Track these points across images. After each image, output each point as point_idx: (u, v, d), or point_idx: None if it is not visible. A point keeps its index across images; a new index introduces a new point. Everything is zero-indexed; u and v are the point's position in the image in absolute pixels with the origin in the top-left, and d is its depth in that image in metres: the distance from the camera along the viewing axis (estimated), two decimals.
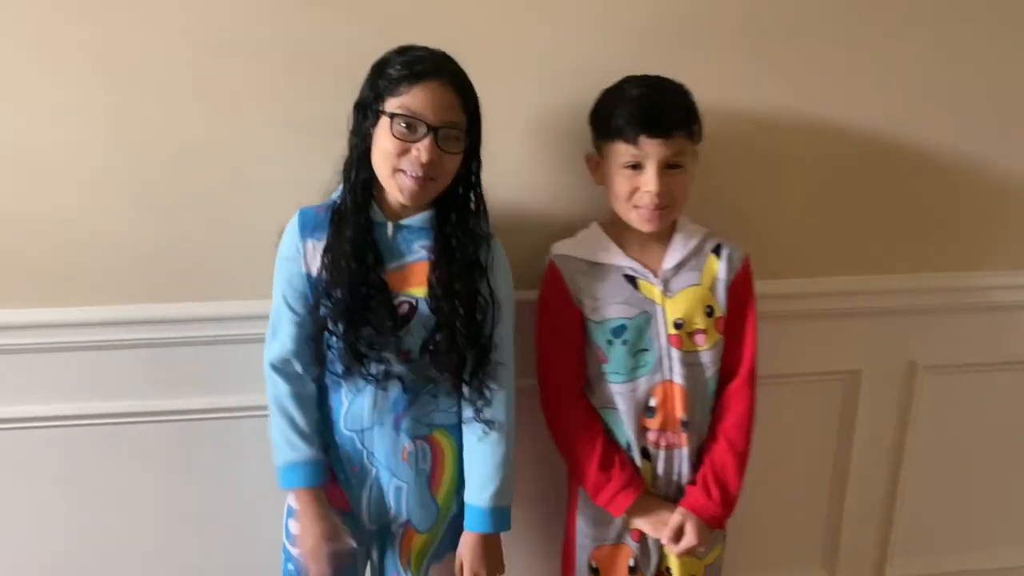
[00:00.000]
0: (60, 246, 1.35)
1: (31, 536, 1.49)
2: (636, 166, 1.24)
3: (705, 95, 1.28)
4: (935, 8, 1.45)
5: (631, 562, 1.36)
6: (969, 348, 1.66)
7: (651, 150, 1.22)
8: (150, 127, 1.31)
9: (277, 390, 1.22)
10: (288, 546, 1.28)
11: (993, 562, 1.84)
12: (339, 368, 1.19)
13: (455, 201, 1.21)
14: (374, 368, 1.18)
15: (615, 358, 1.30)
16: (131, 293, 1.39)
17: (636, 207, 1.26)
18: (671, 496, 1.34)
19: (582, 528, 1.39)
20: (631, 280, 1.31)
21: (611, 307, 1.30)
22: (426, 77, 1.11)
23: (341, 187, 1.20)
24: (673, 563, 1.35)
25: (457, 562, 1.27)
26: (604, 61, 1.33)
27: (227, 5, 1.28)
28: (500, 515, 1.24)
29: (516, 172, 1.41)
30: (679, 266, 1.32)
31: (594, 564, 1.38)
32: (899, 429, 1.70)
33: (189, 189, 1.35)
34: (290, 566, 1.28)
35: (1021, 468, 1.79)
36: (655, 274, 1.30)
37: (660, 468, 1.33)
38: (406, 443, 1.22)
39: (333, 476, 1.25)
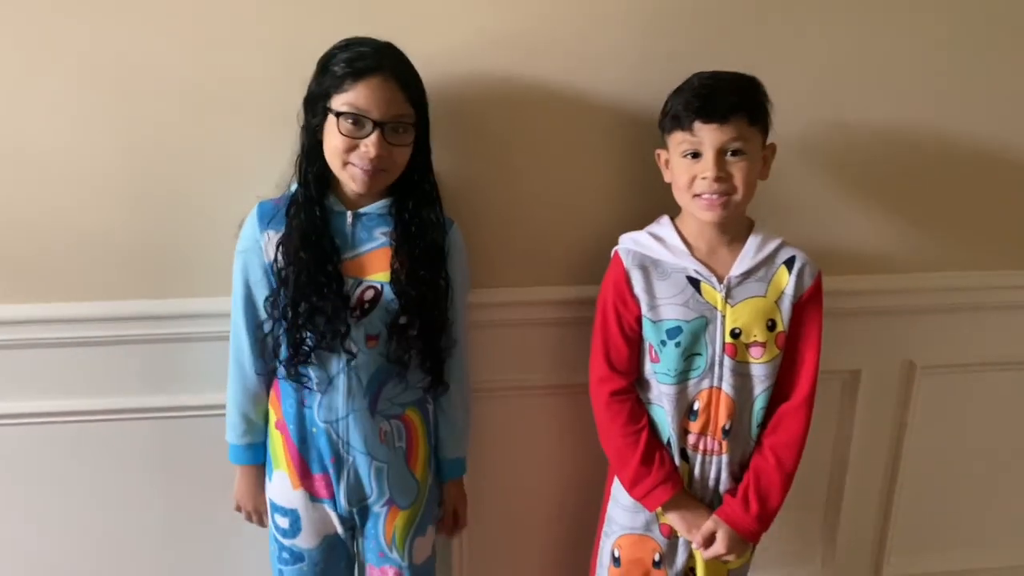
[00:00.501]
0: (51, 242, 1.37)
1: (23, 533, 1.51)
2: (696, 155, 1.22)
3: None
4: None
5: (656, 556, 1.38)
6: (967, 348, 1.67)
7: (706, 136, 1.20)
8: (142, 125, 1.32)
9: (234, 379, 1.29)
10: (278, 537, 1.33)
11: (989, 561, 1.85)
12: (304, 359, 1.22)
13: (411, 188, 1.23)
14: (343, 356, 1.21)
15: (666, 359, 1.29)
16: (122, 289, 1.40)
17: (697, 196, 1.24)
18: (705, 501, 1.34)
19: (612, 516, 1.41)
20: (694, 283, 1.29)
21: (669, 308, 1.29)
22: (368, 73, 1.12)
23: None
24: (699, 564, 1.36)
25: (450, 510, 1.42)
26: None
27: (220, 4, 1.28)
28: (464, 460, 1.43)
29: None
30: (746, 274, 1.28)
31: (616, 552, 1.41)
32: (897, 428, 1.71)
33: (180, 187, 1.36)
34: (285, 555, 1.33)
35: (1018, 468, 1.80)
36: (720, 279, 1.28)
37: (697, 472, 1.33)
38: (382, 423, 1.27)
39: (308, 468, 1.29)
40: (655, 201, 1.38)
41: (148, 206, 1.37)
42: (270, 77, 1.31)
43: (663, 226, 1.34)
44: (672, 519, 1.33)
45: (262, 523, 1.39)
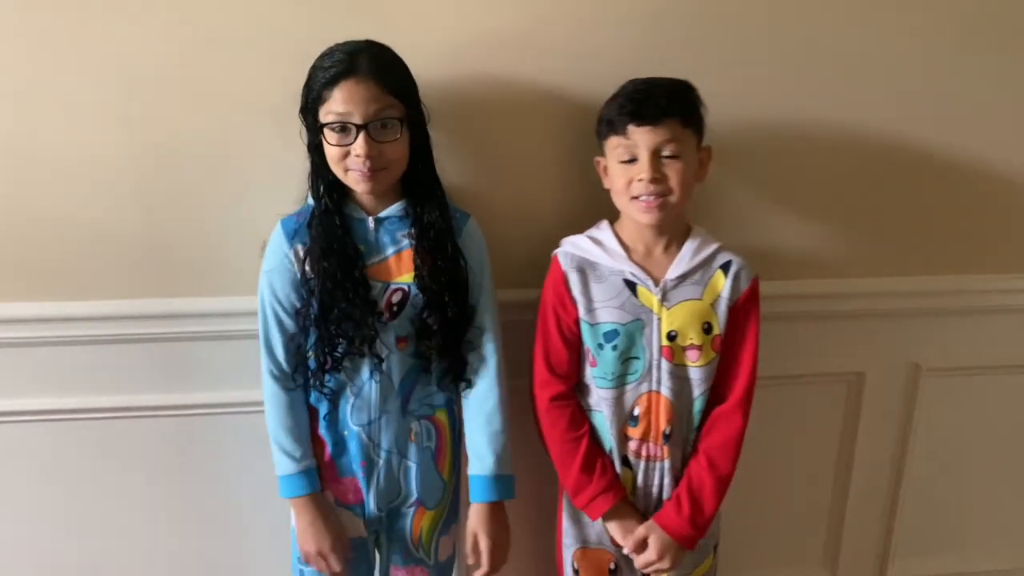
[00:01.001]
0: (64, 241, 1.37)
1: (42, 527, 1.51)
2: (632, 160, 1.23)
3: (716, 97, 1.27)
4: (941, 9, 1.45)
5: (612, 565, 1.35)
6: (972, 351, 1.66)
7: (640, 138, 1.21)
8: (155, 125, 1.33)
9: (275, 401, 1.25)
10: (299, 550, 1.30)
11: (994, 564, 1.84)
12: (335, 366, 1.21)
13: (422, 184, 1.23)
14: (372, 361, 1.21)
15: (604, 363, 1.29)
16: (138, 288, 1.40)
17: (634, 199, 1.24)
18: (651, 509, 1.32)
19: (567, 528, 1.39)
20: (630, 286, 1.28)
21: (605, 310, 1.28)
22: (341, 78, 1.12)
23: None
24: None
25: (471, 537, 1.28)
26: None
27: (234, 4, 1.29)
28: (507, 482, 1.28)
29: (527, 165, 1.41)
30: (683, 277, 1.28)
31: (575, 565, 1.38)
32: (902, 431, 1.70)
33: (195, 186, 1.37)
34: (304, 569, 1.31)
35: (1022, 471, 1.78)
36: (656, 282, 1.28)
37: (640, 479, 1.31)
38: (413, 424, 1.27)
39: (337, 473, 1.27)
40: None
41: (162, 205, 1.37)
42: (283, 77, 1.28)
43: (602, 230, 1.34)
44: (611, 528, 1.31)
45: (333, 569, 1.27)
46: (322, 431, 1.27)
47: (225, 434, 1.49)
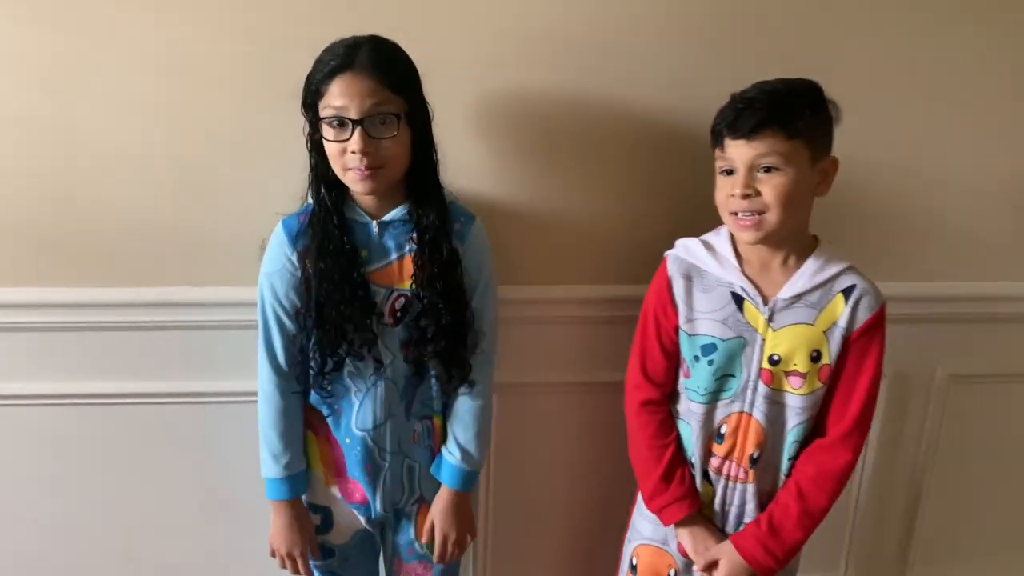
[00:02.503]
0: (97, 227, 1.38)
1: (62, 509, 1.53)
2: (730, 172, 1.15)
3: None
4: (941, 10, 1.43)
5: (671, 572, 1.34)
6: (995, 358, 1.66)
7: (735, 152, 1.13)
8: (190, 114, 1.33)
9: (270, 403, 1.25)
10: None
11: (1014, 572, 1.85)
12: (336, 369, 1.21)
13: (424, 186, 1.19)
14: (375, 366, 1.21)
15: (697, 376, 1.24)
16: (164, 276, 1.41)
17: (732, 214, 1.16)
18: (728, 529, 1.28)
19: (635, 524, 1.39)
20: (738, 300, 1.21)
21: (706, 323, 1.23)
22: (338, 72, 1.08)
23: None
24: None
25: (428, 521, 1.31)
26: None
27: None
28: (470, 477, 1.30)
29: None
30: (797, 297, 1.19)
31: (634, 560, 1.38)
32: (922, 437, 1.70)
33: (224, 176, 1.37)
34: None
35: None
36: (765, 300, 1.20)
37: (719, 496, 1.27)
38: (416, 425, 1.28)
39: (345, 472, 1.29)
40: (676, 204, 1.36)
41: (190, 194, 1.38)
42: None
43: (719, 235, 1.27)
44: (683, 537, 1.29)
45: (299, 572, 1.31)
46: (328, 432, 1.28)
47: (239, 422, 1.45)
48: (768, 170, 1.12)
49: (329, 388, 1.24)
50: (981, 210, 1.57)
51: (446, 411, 1.30)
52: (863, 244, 1.48)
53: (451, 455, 1.29)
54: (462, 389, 1.28)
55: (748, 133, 1.11)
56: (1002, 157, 1.54)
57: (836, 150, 1.19)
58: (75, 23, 1.28)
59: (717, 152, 1.17)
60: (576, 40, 1.37)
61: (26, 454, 1.50)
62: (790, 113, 1.11)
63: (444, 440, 1.31)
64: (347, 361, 1.21)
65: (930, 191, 1.54)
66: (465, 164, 1.34)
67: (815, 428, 1.23)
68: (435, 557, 1.33)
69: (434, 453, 1.31)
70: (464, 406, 1.28)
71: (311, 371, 1.23)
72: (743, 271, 1.22)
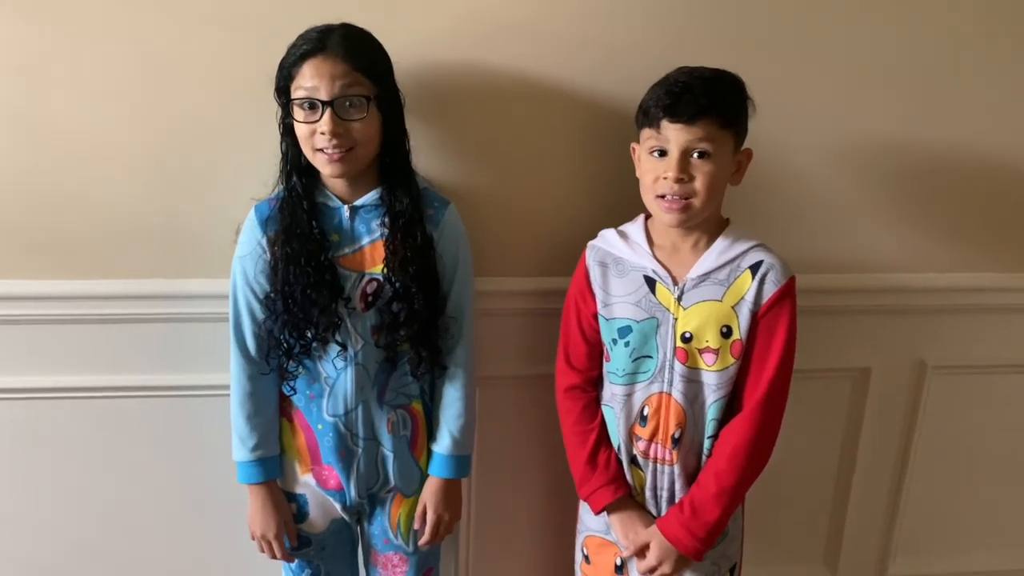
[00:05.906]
0: (73, 220, 1.37)
1: (43, 503, 1.52)
2: (662, 152, 1.18)
3: None
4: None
5: (617, 560, 1.34)
6: (979, 350, 1.67)
7: (672, 135, 1.15)
8: (167, 106, 1.33)
9: (239, 387, 1.27)
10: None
11: (996, 564, 1.84)
12: (305, 352, 1.23)
13: (396, 172, 1.22)
14: (347, 349, 1.23)
15: (616, 359, 1.27)
16: (141, 268, 1.41)
17: (659, 197, 1.19)
18: (661, 514, 1.29)
19: (581, 516, 1.40)
20: (650, 282, 1.25)
21: (621, 306, 1.26)
22: (309, 56, 1.12)
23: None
24: None
25: (420, 506, 1.33)
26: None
27: None
28: (462, 462, 1.32)
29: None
30: (705, 276, 1.22)
31: (585, 551, 1.39)
32: (906, 428, 1.71)
33: (201, 168, 1.37)
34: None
35: None
36: (675, 280, 1.23)
37: (650, 481, 1.28)
38: (390, 414, 1.28)
39: (320, 458, 1.29)
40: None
41: (167, 186, 1.38)
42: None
43: (634, 224, 1.31)
44: (613, 522, 1.29)
45: (275, 554, 1.32)
46: (301, 419, 1.29)
47: (222, 413, 1.39)
48: (701, 155, 1.15)
49: (298, 373, 1.26)
50: (969, 200, 1.57)
51: (424, 397, 1.33)
52: (847, 236, 1.53)
53: (441, 446, 1.31)
54: (447, 379, 1.30)
55: (689, 118, 1.14)
56: (991, 149, 1.54)
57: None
58: (49, 17, 1.28)
59: (648, 132, 1.19)
60: (532, 27, 1.37)
61: None
62: (726, 102, 1.16)
63: (428, 431, 1.33)
64: (315, 346, 1.23)
65: (915, 181, 1.54)
66: (438, 154, 1.37)
67: (733, 405, 1.24)
68: (424, 539, 1.34)
69: (413, 442, 1.32)
70: (449, 396, 1.31)
71: (279, 356, 1.25)
72: (654, 255, 1.25)
